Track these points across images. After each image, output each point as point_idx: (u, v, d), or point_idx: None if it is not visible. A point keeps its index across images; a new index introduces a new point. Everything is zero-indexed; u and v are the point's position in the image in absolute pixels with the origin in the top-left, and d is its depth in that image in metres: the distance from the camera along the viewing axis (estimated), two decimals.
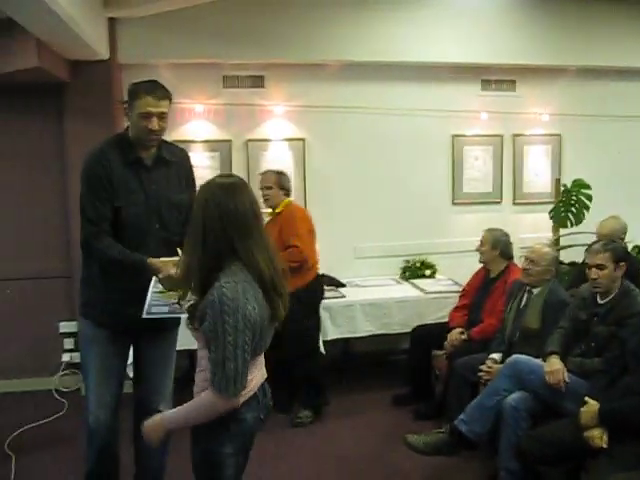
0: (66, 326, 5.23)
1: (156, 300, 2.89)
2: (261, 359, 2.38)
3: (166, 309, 2.86)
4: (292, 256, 4.50)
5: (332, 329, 4.94)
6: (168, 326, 3.20)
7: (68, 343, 5.31)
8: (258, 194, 5.62)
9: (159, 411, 2.63)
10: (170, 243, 3.03)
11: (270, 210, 4.77)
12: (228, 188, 2.19)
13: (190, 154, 5.34)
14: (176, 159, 3.23)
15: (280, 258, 2.33)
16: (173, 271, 2.82)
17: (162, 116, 3.04)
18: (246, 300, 2.10)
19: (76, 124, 4.97)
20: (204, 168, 5.64)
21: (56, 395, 5.18)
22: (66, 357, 5.30)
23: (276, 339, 4.66)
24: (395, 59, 5.63)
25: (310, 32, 5.43)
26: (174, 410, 2.26)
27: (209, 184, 2.24)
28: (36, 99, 5.28)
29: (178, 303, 2.68)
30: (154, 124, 3.00)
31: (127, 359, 3.33)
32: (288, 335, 4.54)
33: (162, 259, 2.94)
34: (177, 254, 2.85)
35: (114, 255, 3.00)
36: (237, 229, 2.15)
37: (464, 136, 6.13)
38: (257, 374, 2.32)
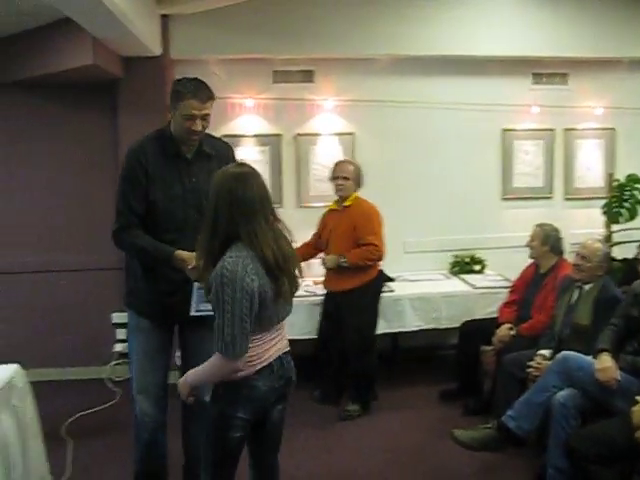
0: (118, 317, 5.33)
1: (203, 297, 2.82)
2: (279, 333, 2.57)
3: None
4: (371, 254, 4.55)
5: (381, 323, 4.94)
6: (211, 315, 3.25)
7: (120, 333, 5.40)
8: (306, 181, 5.70)
9: (204, 401, 2.71)
10: None
11: (336, 200, 4.78)
12: (239, 177, 2.41)
13: (240, 148, 5.58)
14: (217, 152, 3.26)
15: (286, 241, 2.50)
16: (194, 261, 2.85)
17: (205, 117, 3.09)
18: (245, 272, 2.30)
19: (129, 119, 5.07)
20: (255, 162, 5.58)
21: (109, 384, 5.30)
22: (118, 347, 5.40)
23: (337, 331, 4.76)
24: (445, 53, 5.59)
25: (360, 26, 5.44)
26: (195, 369, 2.52)
27: (223, 173, 2.45)
28: (91, 95, 5.42)
29: None
30: (197, 126, 3.06)
31: (171, 349, 3.40)
32: (350, 328, 4.61)
33: (190, 253, 2.95)
34: None
35: (143, 245, 3.11)
36: (243, 214, 2.36)
37: (514, 130, 6.06)
38: (272, 347, 2.52)
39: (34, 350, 5.26)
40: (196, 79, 3.12)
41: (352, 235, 4.55)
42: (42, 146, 5.50)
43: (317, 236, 4.88)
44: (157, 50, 5.10)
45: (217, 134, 5.38)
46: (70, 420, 4.60)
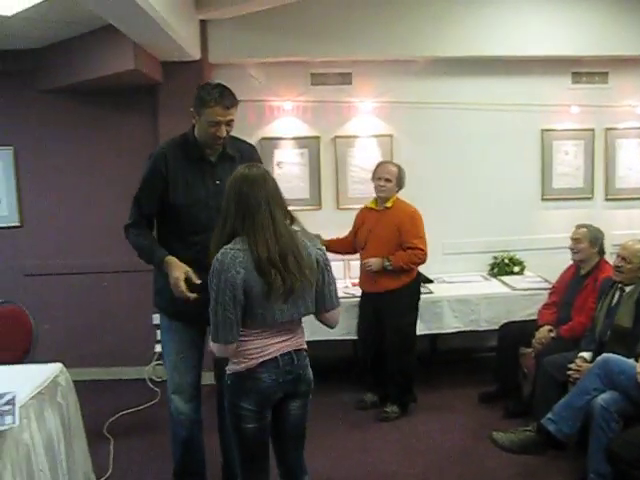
0: (158, 318, 5.41)
1: None
2: (289, 331, 2.67)
3: None
4: (417, 258, 4.57)
5: (419, 325, 4.92)
6: None
7: (160, 334, 5.49)
8: (344, 183, 5.71)
9: None
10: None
11: (374, 200, 4.79)
12: (247, 177, 2.56)
13: (279, 151, 5.63)
14: (242, 154, 3.29)
15: (294, 242, 2.58)
16: (182, 276, 3.01)
17: (230, 123, 3.13)
18: (232, 264, 2.46)
19: (169, 123, 5.13)
20: (293, 164, 5.76)
21: (149, 384, 5.39)
22: (158, 348, 5.45)
23: (376, 332, 4.76)
24: (483, 53, 5.56)
25: (397, 28, 5.44)
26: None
27: (235, 173, 2.60)
28: (132, 99, 5.52)
29: None
30: (222, 132, 3.10)
31: (203, 348, 3.41)
32: (390, 329, 4.62)
33: (181, 265, 3.06)
34: None
35: (142, 244, 3.25)
36: (246, 212, 2.52)
37: (554, 130, 5.98)
38: (277, 342, 2.61)
39: (77, 350, 5.37)
40: (220, 85, 3.16)
41: (395, 237, 4.55)
42: (84, 150, 5.62)
43: (353, 234, 4.88)
44: (196, 55, 5.17)
45: (256, 137, 5.58)
46: (112, 419, 4.70)
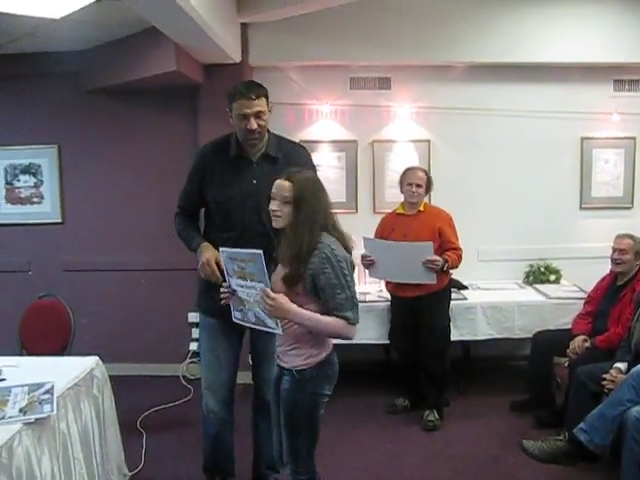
0: (194, 316, 5.47)
1: (234, 305, 2.84)
2: None
3: (239, 315, 2.85)
4: (460, 259, 4.62)
5: (453, 331, 4.92)
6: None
7: (195, 332, 5.54)
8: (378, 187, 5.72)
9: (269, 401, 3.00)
10: (268, 237, 2.94)
11: (403, 205, 4.79)
12: (319, 181, 2.78)
13: (317, 154, 5.67)
14: (285, 155, 3.28)
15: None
16: (212, 258, 3.09)
17: (259, 115, 3.12)
18: (345, 253, 2.68)
19: (209, 124, 5.20)
20: (331, 168, 5.79)
21: (183, 381, 5.46)
22: (193, 346, 5.56)
23: (410, 337, 4.75)
24: (522, 60, 5.54)
25: (436, 34, 5.45)
26: (312, 313, 2.63)
27: (307, 178, 2.74)
28: (173, 100, 5.61)
29: (243, 311, 2.80)
30: (252, 124, 3.10)
31: (240, 348, 3.46)
32: (429, 332, 4.62)
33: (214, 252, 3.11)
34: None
35: (179, 230, 3.39)
36: (329, 211, 2.74)
37: (594, 138, 5.91)
38: None
39: (114, 345, 5.47)
40: (249, 80, 3.31)
41: (436, 239, 4.55)
42: (126, 150, 5.74)
43: None
44: (237, 57, 5.24)
45: (294, 139, 5.52)
46: (145, 414, 4.79)
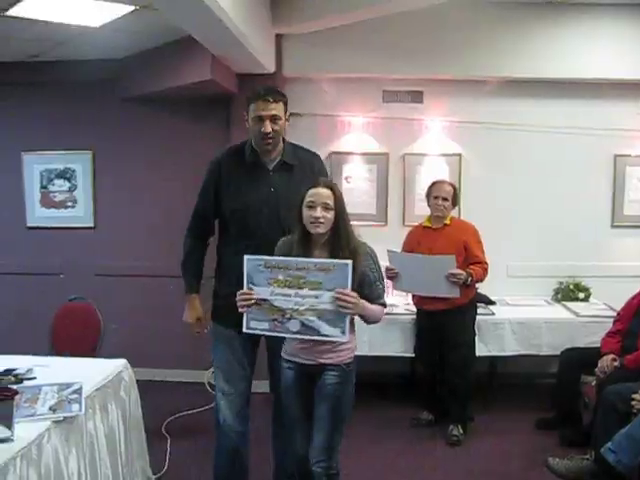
0: None
1: (256, 314, 2.85)
2: None
3: (266, 325, 2.84)
4: (485, 272, 4.60)
5: (480, 346, 4.90)
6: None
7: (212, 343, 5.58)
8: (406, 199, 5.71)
9: None
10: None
11: (429, 218, 4.79)
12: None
13: (348, 166, 5.69)
14: (300, 162, 3.29)
15: None
16: (194, 322, 3.47)
17: (275, 119, 3.12)
18: None
19: (242, 133, 5.18)
20: (362, 180, 5.82)
21: (208, 388, 5.48)
22: None
23: (436, 350, 4.73)
24: (556, 75, 5.53)
25: (470, 48, 5.47)
26: (366, 302, 2.86)
27: (337, 189, 2.91)
28: (207, 109, 5.69)
29: (278, 321, 2.81)
30: (267, 127, 3.09)
31: (255, 358, 3.42)
32: (455, 345, 4.61)
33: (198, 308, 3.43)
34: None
35: (183, 260, 3.44)
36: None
37: (628, 156, 5.86)
38: None
39: (141, 350, 5.48)
40: (270, 85, 3.38)
41: (462, 253, 4.54)
42: (159, 157, 5.82)
43: None
44: (271, 68, 5.29)
45: (326, 150, 5.68)
46: (170, 419, 4.83)
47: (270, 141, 3.16)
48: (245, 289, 2.83)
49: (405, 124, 5.80)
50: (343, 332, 2.74)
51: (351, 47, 5.44)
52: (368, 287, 2.86)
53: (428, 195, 4.76)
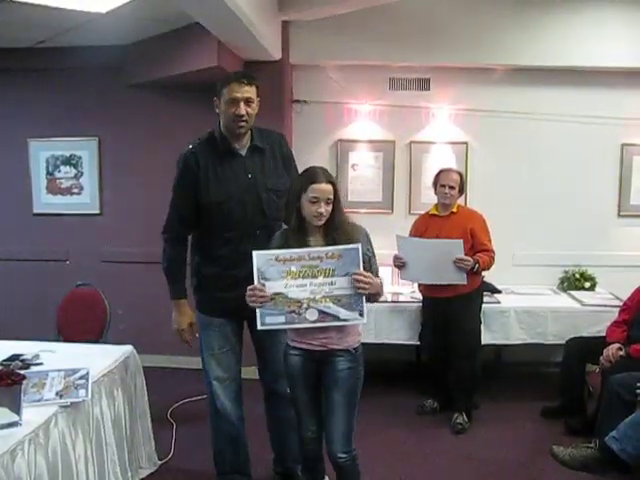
0: None
1: (271, 309, 2.81)
2: None
3: (282, 319, 2.81)
4: (493, 260, 4.61)
5: (485, 335, 4.90)
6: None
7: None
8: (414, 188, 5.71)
9: (286, 392, 3.17)
10: (271, 229, 3.14)
11: (436, 206, 4.79)
12: None
13: (354, 153, 5.69)
14: (269, 144, 3.33)
15: None
16: (186, 327, 3.45)
17: (248, 101, 3.14)
18: None
19: None
20: (368, 167, 5.81)
21: None
22: None
23: (442, 338, 4.73)
24: (564, 64, 5.49)
25: (477, 36, 5.43)
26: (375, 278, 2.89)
27: (333, 177, 2.95)
28: (212, 96, 5.62)
29: (295, 312, 2.80)
30: (240, 109, 3.11)
31: (241, 342, 3.48)
32: (461, 332, 4.61)
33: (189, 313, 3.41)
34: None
35: (165, 266, 3.47)
36: None
37: (635, 145, 5.82)
38: None
39: (147, 336, 5.50)
40: (239, 70, 3.34)
41: (468, 240, 4.55)
42: (164, 144, 5.75)
43: None
44: (277, 55, 5.27)
45: (332, 138, 5.69)
46: (176, 405, 4.85)
47: (243, 124, 3.17)
48: (256, 284, 2.79)
49: (412, 112, 5.78)
50: (361, 314, 2.79)
51: (358, 34, 5.41)
52: (368, 265, 2.88)
53: (435, 183, 4.75)
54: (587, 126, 5.67)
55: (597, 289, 5.70)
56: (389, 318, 4.96)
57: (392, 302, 5.12)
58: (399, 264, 4.66)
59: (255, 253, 2.80)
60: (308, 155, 5.56)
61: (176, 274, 3.40)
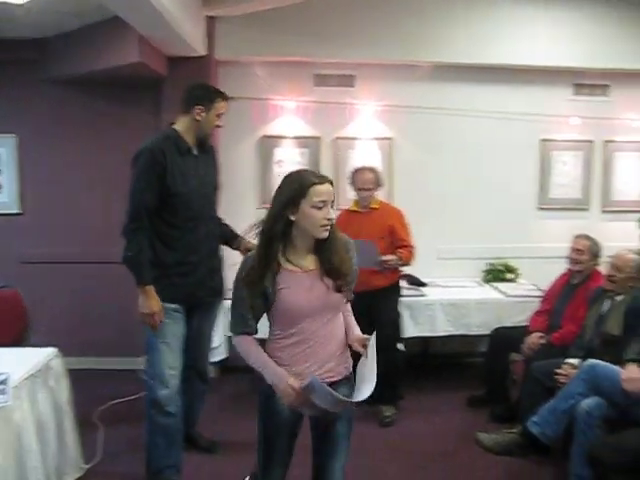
0: None
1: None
2: None
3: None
4: (412, 256, 4.70)
5: (412, 327, 4.99)
6: (217, 298, 3.85)
7: None
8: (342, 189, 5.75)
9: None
10: (217, 220, 3.81)
11: (356, 202, 4.85)
12: None
13: (280, 150, 5.69)
14: (209, 147, 3.76)
15: None
16: (159, 311, 3.44)
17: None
18: None
19: (172, 117, 5.16)
20: (294, 163, 5.79)
21: (141, 375, 5.41)
22: None
23: (366, 332, 4.77)
24: (486, 61, 5.62)
25: (401, 33, 5.49)
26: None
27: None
28: (136, 92, 5.57)
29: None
30: (221, 122, 3.65)
31: (186, 331, 3.66)
32: (385, 325, 4.65)
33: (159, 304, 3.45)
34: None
35: (136, 252, 3.42)
36: None
37: (553, 141, 6.03)
38: None
39: (72, 338, 5.36)
40: (209, 85, 3.91)
41: (388, 236, 4.63)
42: (86, 141, 5.67)
43: None
44: (202, 50, 5.21)
45: (258, 135, 5.67)
46: (103, 407, 4.74)
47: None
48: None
49: (337, 108, 5.80)
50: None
51: (284, 30, 5.41)
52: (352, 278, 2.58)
53: (352, 182, 4.82)
54: (508, 122, 5.82)
55: (520, 280, 5.87)
56: None
57: None
58: None
59: (313, 377, 2.30)
60: (233, 152, 5.55)
61: (145, 261, 3.45)
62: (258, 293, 2.39)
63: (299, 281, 2.43)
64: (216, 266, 3.76)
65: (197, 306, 3.70)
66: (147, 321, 3.43)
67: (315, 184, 2.38)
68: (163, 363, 3.50)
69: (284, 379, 2.36)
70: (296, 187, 2.38)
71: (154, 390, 3.52)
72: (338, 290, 2.50)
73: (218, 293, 3.82)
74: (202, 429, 4.19)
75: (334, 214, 2.44)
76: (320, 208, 2.37)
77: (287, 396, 2.36)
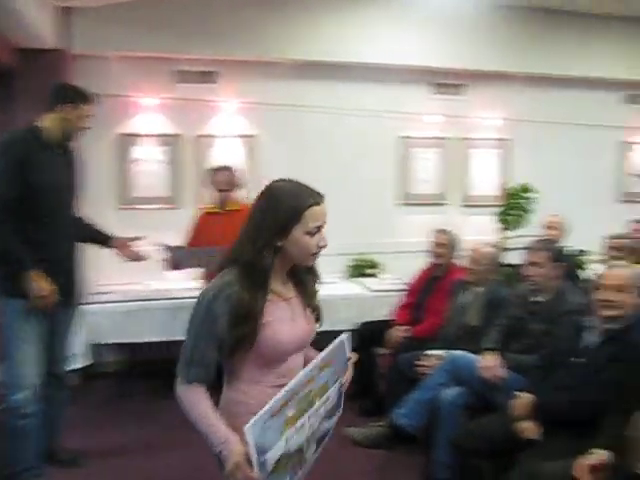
0: None
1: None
2: None
3: (314, 444, 2.19)
4: None
5: None
6: (73, 299, 3.72)
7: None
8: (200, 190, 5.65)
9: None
10: (74, 218, 3.70)
11: (217, 205, 4.79)
12: None
13: (140, 148, 5.51)
14: (71, 148, 3.71)
15: None
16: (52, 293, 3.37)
17: None
18: None
19: (27, 111, 4.81)
20: (154, 162, 5.64)
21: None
22: None
23: None
24: (347, 59, 5.72)
25: (264, 30, 5.49)
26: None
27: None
28: None
29: (298, 464, 2.06)
30: (89, 123, 3.60)
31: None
32: None
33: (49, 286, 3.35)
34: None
35: (10, 241, 3.32)
36: None
37: (411, 138, 6.22)
38: None
39: None
40: (76, 85, 3.69)
41: None
42: None
43: (194, 241, 4.82)
44: (52, 43, 4.95)
45: (117, 132, 5.44)
46: None
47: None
48: (255, 472, 1.81)
49: (199, 105, 5.72)
50: (339, 408, 2.36)
51: (144, 25, 5.26)
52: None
53: (210, 183, 4.80)
54: (369, 119, 5.95)
55: (384, 275, 5.98)
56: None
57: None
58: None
59: (247, 428, 1.74)
60: (90, 151, 5.29)
61: (21, 248, 3.34)
62: (250, 329, 1.95)
63: (282, 311, 2.05)
64: (73, 267, 3.65)
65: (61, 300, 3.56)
66: (41, 304, 3.35)
67: (312, 205, 2.04)
68: (20, 364, 3.40)
69: (235, 454, 1.86)
70: (290, 212, 2.02)
71: (12, 392, 3.40)
72: (316, 319, 2.20)
73: (75, 295, 3.70)
74: (64, 441, 3.97)
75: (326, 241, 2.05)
76: (313, 235, 2.01)
77: (235, 474, 1.87)
